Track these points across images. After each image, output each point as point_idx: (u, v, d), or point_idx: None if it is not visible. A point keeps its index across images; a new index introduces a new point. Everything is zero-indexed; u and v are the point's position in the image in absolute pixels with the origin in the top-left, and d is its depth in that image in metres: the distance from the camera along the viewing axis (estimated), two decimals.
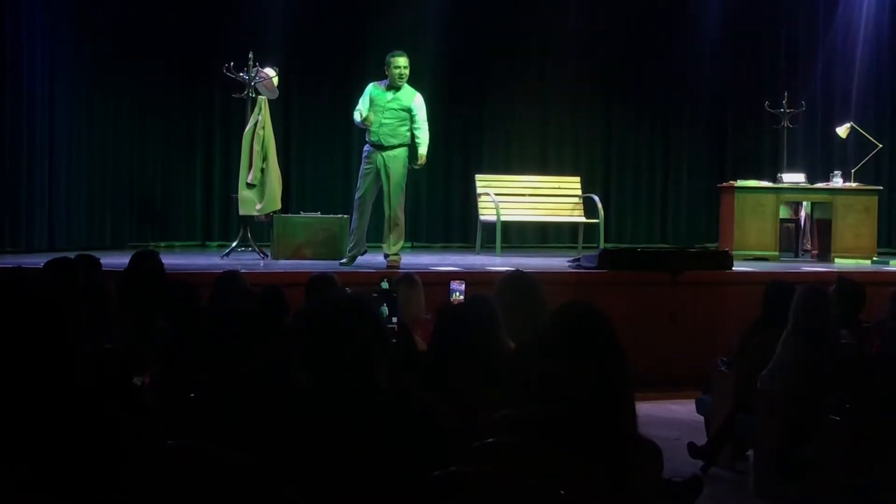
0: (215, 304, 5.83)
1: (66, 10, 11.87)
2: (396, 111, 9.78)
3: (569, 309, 3.07)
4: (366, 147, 9.98)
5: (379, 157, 9.80)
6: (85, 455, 3.04)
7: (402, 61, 9.79)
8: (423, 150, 9.81)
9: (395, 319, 5.82)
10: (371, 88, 9.94)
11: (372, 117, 9.74)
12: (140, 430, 3.23)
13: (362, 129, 10.04)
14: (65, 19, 11.86)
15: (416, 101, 9.84)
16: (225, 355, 3.85)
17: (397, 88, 9.82)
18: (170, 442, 2.95)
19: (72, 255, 7.03)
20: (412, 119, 9.81)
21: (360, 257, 10.09)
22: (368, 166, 9.87)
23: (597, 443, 2.86)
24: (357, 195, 10.02)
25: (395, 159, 9.81)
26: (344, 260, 10.04)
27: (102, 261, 6.99)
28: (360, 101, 9.96)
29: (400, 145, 9.84)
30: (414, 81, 10.03)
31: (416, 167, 9.97)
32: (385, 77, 9.89)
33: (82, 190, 12.11)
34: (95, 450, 3.05)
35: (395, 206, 9.85)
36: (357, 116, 9.89)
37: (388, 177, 9.79)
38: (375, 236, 10.55)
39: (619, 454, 2.87)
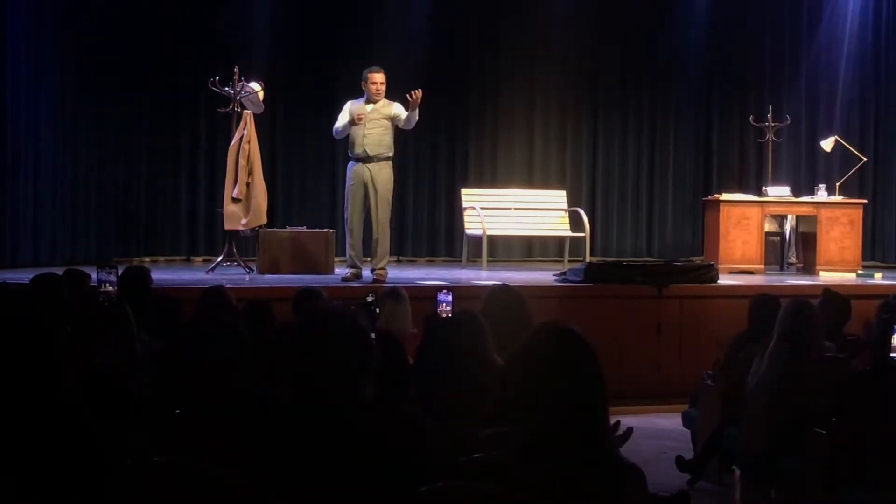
0: (200, 318, 5.82)
1: (50, 26, 11.85)
2: (378, 120, 9.82)
3: (544, 331, 3.06)
4: (350, 163, 9.98)
5: (365, 170, 9.81)
6: (70, 469, 3.02)
7: (378, 77, 9.84)
8: (411, 113, 9.74)
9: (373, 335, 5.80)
10: (349, 105, 9.98)
11: (359, 116, 9.75)
12: (126, 445, 3.22)
13: (346, 144, 10.05)
14: (49, 34, 11.84)
15: (394, 108, 9.90)
16: (210, 370, 3.83)
17: (375, 103, 9.86)
18: (156, 458, 2.94)
19: (57, 269, 7.02)
20: (398, 120, 9.84)
21: (349, 270, 10.03)
22: (354, 182, 9.87)
23: (578, 463, 2.86)
24: (346, 215, 10.02)
25: (381, 172, 9.84)
26: (347, 274, 9.98)
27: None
28: (339, 117, 9.99)
29: (385, 158, 9.86)
30: (398, 94, 10.03)
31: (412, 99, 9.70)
32: (362, 93, 9.93)
33: (67, 204, 12.08)
34: (80, 464, 3.04)
35: (383, 219, 9.86)
36: (338, 125, 9.92)
37: (375, 190, 9.80)
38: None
39: (600, 475, 2.87)
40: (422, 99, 9.65)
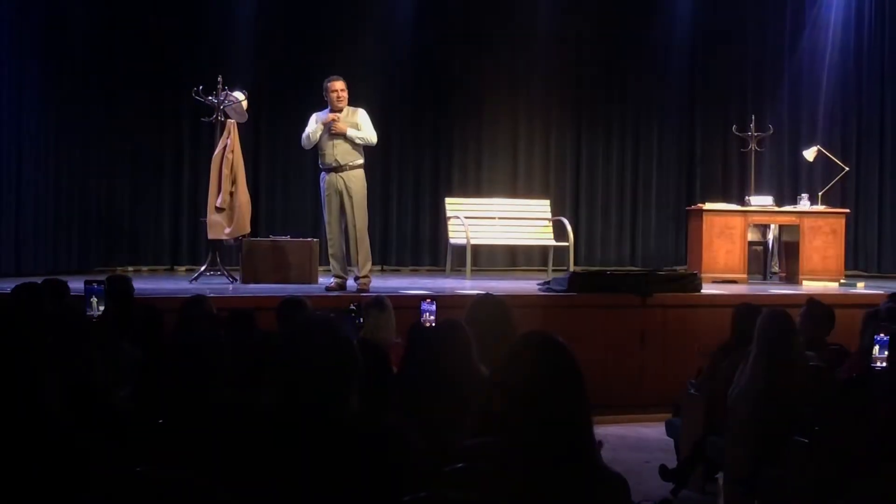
0: (181, 328, 5.81)
1: (33, 36, 11.81)
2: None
3: (527, 340, 3.07)
4: (322, 175, 9.99)
5: (338, 179, 9.84)
6: (53, 481, 3.01)
7: (338, 85, 9.90)
8: (351, 132, 9.81)
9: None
10: (315, 116, 9.99)
11: (335, 116, 9.79)
12: (109, 456, 3.20)
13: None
14: (32, 42, 11.80)
15: (360, 115, 9.94)
16: (192, 380, 3.82)
17: (339, 111, 9.88)
18: (138, 468, 2.92)
19: (38, 279, 6.99)
20: (358, 129, 9.88)
21: (333, 279, 10.03)
22: (329, 192, 9.89)
23: (562, 473, 2.85)
24: (325, 225, 10.04)
25: (355, 179, 9.87)
26: (331, 283, 9.98)
27: (70, 285, 6.94)
28: (307, 128, 9.99)
29: (358, 166, 9.89)
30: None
31: (331, 120, 9.81)
32: (325, 104, 9.95)
33: (49, 213, 12.02)
34: (63, 476, 3.02)
35: (361, 226, 9.88)
36: (308, 132, 9.92)
37: (350, 197, 9.83)
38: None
39: (584, 484, 2.87)
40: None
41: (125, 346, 5.30)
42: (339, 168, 9.83)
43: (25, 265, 11.40)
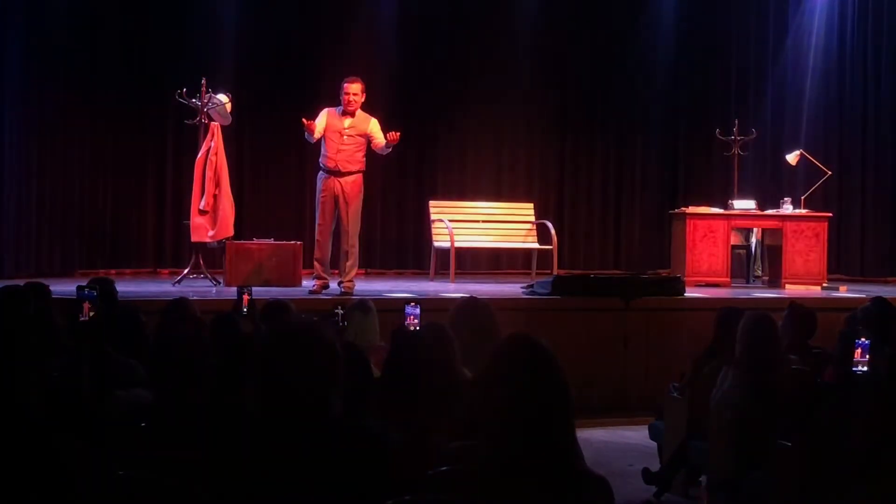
0: (164, 331, 5.79)
1: (14, 36, 11.76)
2: (353, 136, 9.82)
3: (510, 343, 3.07)
4: (320, 174, 9.96)
5: (336, 183, 9.81)
6: (34, 485, 3.00)
7: (353, 88, 9.82)
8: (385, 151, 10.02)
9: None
10: (326, 113, 9.95)
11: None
12: (90, 459, 3.19)
13: (316, 154, 10.03)
14: (13, 45, 11.75)
15: (371, 125, 9.88)
16: (174, 382, 3.81)
17: (352, 114, 9.84)
18: (121, 472, 2.91)
19: (20, 282, 6.96)
20: (372, 139, 9.85)
21: (316, 282, 10.02)
22: (325, 194, 9.86)
23: (544, 476, 2.86)
24: (318, 225, 9.99)
25: (353, 185, 9.84)
26: (314, 286, 9.94)
27: (51, 288, 6.92)
28: (316, 121, 9.96)
29: (357, 171, 9.86)
30: (368, 107, 10.05)
31: (390, 139, 9.82)
32: (340, 103, 9.92)
33: (31, 216, 11.97)
34: (45, 479, 3.02)
35: (353, 232, 9.87)
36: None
37: (346, 203, 9.80)
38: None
39: (566, 487, 2.87)
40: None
41: (107, 349, 5.28)
42: (339, 173, 9.81)
43: (7, 268, 11.36)
